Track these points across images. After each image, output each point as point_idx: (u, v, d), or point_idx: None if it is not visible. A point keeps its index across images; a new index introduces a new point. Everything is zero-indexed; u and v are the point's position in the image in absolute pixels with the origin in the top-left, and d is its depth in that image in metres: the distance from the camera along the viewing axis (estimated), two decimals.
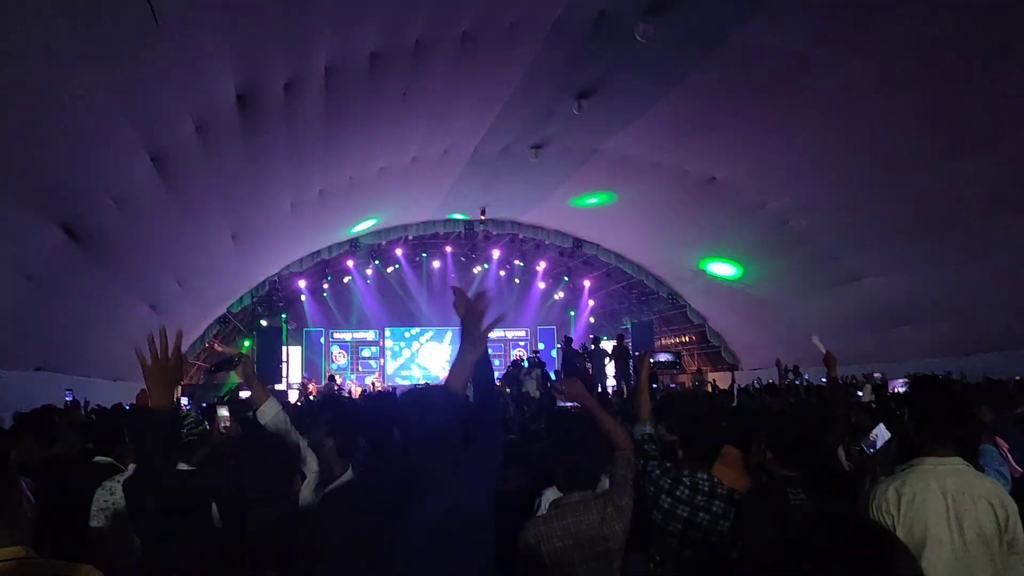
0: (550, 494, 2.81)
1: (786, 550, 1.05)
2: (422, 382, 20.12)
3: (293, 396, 15.45)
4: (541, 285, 21.53)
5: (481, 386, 2.12)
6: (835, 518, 1.14)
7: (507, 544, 2.30)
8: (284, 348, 17.95)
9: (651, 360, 3.88)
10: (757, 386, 11.89)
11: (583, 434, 2.62)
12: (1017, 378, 8.99)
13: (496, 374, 2.57)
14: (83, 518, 3.15)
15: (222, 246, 10.77)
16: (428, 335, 21.20)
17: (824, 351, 4.31)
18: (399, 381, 20.16)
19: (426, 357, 21.17)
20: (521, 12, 7.51)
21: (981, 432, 3.53)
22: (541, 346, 20.42)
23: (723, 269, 15.45)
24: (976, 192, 9.19)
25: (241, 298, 15.82)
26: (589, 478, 2.54)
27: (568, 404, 3.88)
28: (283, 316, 18.64)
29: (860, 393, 8.01)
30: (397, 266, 19.96)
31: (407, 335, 21.21)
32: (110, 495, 3.18)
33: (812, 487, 2.47)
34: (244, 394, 4.98)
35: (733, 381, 13.45)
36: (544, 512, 2.60)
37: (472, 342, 2.02)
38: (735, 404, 7.69)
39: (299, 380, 18.64)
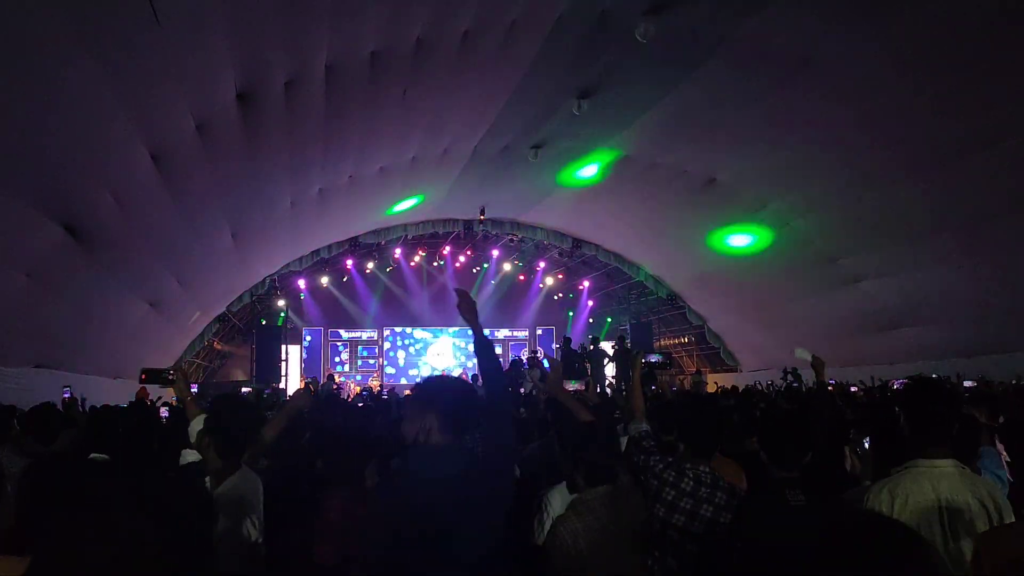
0: (557, 494, 2.81)
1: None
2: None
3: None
4: (541, 285, 21.54)
5: (487, 370, 2.38)
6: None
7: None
8: (283, 347, 17.93)
9: (643, 361, 3.93)
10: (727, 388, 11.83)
11: (595, 433, 2.70)
12: (1014, 381, 8.98)
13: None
14: None
15: (222, 244, 10.77)
16: (427, 335, 21.18)
17: (810, 358, 4.21)
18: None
19: (425, 356, 21.17)
20: (522, 11, 7.51)
21: (979, 434, 3.52)
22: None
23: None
24: (977, 194, 9.19)
25: (240, 296, 15.81)
26: (610, 473, 2.60)
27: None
28: (283, 315, 18.60)
29: (854, 388, 8.01)
30: (396, 265, 19.96)
31: (406, 334, 21.20)
32: None
33: (812, 488, 2.46)
34: None
35: (737, 388, 13.40)
36: (561, 512, 2.61)
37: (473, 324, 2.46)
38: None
39: (301, 378, 18.65)
